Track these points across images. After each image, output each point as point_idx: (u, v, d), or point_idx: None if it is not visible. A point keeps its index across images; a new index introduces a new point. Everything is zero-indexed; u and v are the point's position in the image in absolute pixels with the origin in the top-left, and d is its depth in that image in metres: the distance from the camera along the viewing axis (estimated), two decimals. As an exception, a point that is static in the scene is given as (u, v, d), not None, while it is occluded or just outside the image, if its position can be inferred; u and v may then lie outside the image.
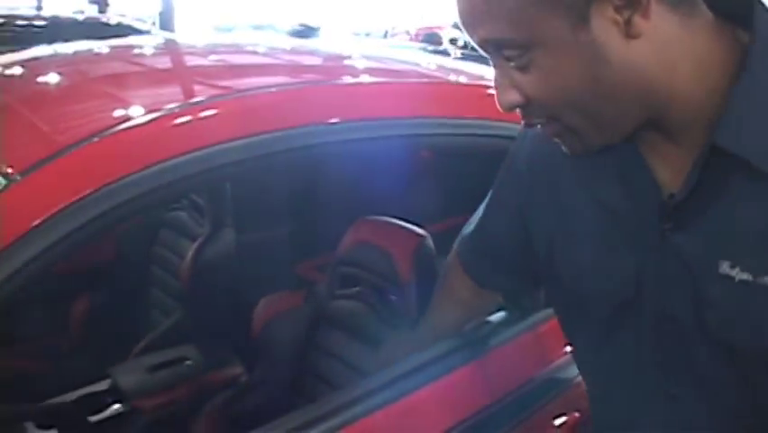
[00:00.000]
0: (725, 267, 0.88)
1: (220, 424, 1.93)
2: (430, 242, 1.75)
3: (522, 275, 1.26)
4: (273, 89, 1.38)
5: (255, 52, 1.91)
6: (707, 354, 0.93)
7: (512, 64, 0.86)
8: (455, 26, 14.33)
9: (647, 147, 0.94)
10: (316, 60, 1.90)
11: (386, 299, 1.81)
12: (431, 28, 23.20)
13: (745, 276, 0.87)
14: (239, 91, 1.35)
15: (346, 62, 1.82)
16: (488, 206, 1.28)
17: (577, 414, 1.53)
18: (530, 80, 0.86)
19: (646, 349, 1.00)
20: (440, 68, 2.00)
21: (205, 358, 2.22)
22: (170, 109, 1.17)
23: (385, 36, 24.29)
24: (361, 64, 1.78)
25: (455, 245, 1.38)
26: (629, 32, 0.81)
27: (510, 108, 0.89)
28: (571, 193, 1.05)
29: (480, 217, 1.29)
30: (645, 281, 0.96)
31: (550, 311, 1.59)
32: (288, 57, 1.90)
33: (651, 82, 0.84)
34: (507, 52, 0.86)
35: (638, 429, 1.06)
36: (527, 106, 0.89)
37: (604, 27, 0.81)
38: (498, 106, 0.90)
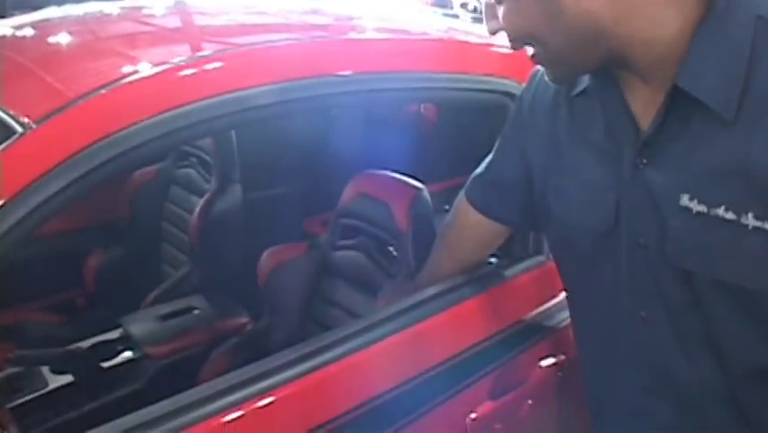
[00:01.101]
0: (685, 200, 0.97)
1: (227, 370, 2.01)
2: (427, 195, 1.82)
3: (522, 211, 1.35)
4: (281, 43, 1.45)
5: (263, 12, 1.96)
6: (669, 279, 1.03)
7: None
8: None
9: (626, 86, 1.04)
10: (325, 19, 1.95)
11: (384, 250, 1.89)
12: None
13: (701, 208, 0.96)
14: (245, 45, 1.41)
15: (354, 20, 1.88)
16: (497, 147, 1.38)
17: (563, 357, 1.61)
18: (503, 14, 1.01)
19: (621, 276, 1.10)
20: (448, 27, 2.06)
21: (212, 308, 2.31)
22: (177, 62, 1.24)
23: None
24: (369, 22, 1.84)
25: (465, 187, 1.46)
26: None
27: (492, 33, 1.09)
28: (565, 133, 1.16)
29: (490, 158, 1.39)
30: (622, 213, 1.07)
31: (538, 260, 1.68)
32: (296, 16, 1.96)
33: (604, 29, 0.94)
34: None
35: (616, 353, 1.18)
36: (508, 31, 1.02)
37: None
38: (488, 30, 1.01)
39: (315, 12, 1.95)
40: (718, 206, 0.94)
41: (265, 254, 2.05)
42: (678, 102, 0.96)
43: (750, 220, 0.92)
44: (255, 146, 2.62)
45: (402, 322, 1.39)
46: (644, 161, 1.02)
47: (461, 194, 1.46)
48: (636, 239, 1.05)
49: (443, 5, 14.63)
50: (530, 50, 1.03)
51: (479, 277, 1.55)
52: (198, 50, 1.39)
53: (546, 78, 1.07)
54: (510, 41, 1.03)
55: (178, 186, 2.63)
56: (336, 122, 3.22)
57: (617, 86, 1.04)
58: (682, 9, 0.93)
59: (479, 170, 1.42)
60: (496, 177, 1.37)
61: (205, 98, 1.17)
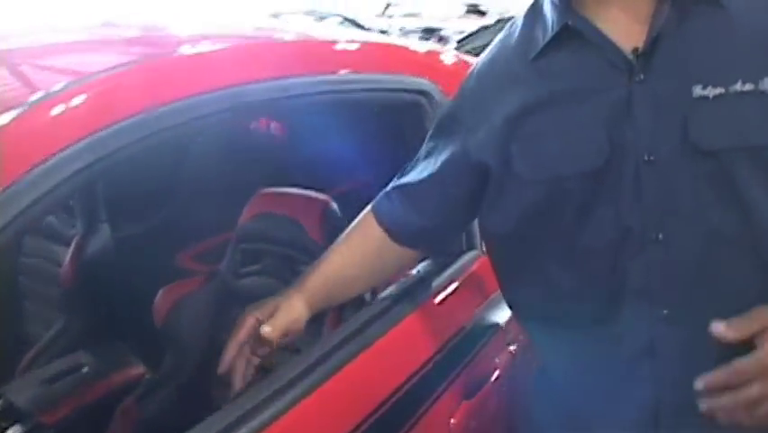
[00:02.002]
0: (698, 90, 1.06)
1: (135, 422, 1.84)
2: (335, 205, 1.74)
3: (451, 220, 1.32)
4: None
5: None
6: (688, 183, 1.08)
7: None
8: (274, 15, 14.24)
9: (602, 18, 1.11)
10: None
11: (297, 270, 1.79)
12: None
13: (719, 90, 1.05)
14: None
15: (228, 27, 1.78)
16: (421, 152, 1.33)
17: (513, 348, 1.58)
18: None
19: (626, 207, 1.11)
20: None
21: (101, 362, 2.12)
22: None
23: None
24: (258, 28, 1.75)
25: (372, 206, 1.38)
26: None
27: None
28: (532, 89, 1.16)
29: (411, 167, 1.34)
30: (619, 143, 1.09)
31: (473, 254, 1.64)
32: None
33: None
34: None
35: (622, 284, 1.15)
36: None
37: None
38: None
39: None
40: (735, 82, 1.04)
41: (160, 293, 1.89)
42: (674, 6, 1.07)
43: (767, 84, 1.04)
44: (115, 181, 2.44)
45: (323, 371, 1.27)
46: (641, 76, 1.08)
47: (369, 215, 1.39)
48: (641, 159, 1.08)
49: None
50: None
51: (408, 292, 1.48)
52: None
53: None
54: None
55: (33, 236, 2.40)
56: (192, 147, 3.07)
57: (590, 22, 1.11)
58: None
59: (395, 182, 1.37)
60: (424, 175, 1.31)
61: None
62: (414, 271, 1.52)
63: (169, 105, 1.12)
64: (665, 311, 1.12)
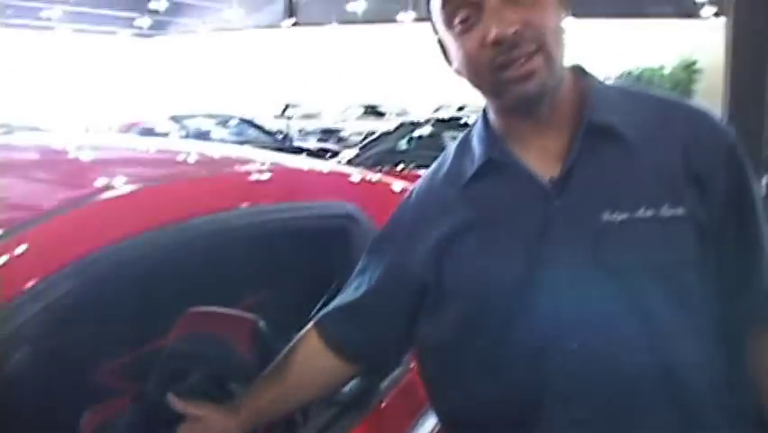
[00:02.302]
0: (606, 215, 1.21)
1: None
2: (263, 323, 1.79)
3: (389, 336, 1.41)
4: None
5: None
6: (599, 298, 1.20)
7: (519, 2, 1.18)
8: (173, 118, 14.22)
9: (523, 150, 1.27)
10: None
11: (226, 388, 1.81)
12: (137, 123, 22.75)
13: (624, 216, 1.21)
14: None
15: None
16: (359, 271, 1.43)
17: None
18: (535, 14, 1.19)
19: (544, 319, 1.22)
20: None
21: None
22: None
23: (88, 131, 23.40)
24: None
25: (315, 324, 1.45)
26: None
27: (513, 33, 1.18)
28: (461, 214, 1.30)
29: (351, 286, 1.42)
30: (538, 261, 1.22)
31: (399, 371, 1.71)
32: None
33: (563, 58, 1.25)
34: None
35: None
36: (524, 32, 1.18)
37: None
38: (498, 35, 1.17)
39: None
40: (638, 209, 1.20)
41: (85, 417, 1.88)
42: (586, 136, 1.24)
43: (665, 210, 1.20)
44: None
45: None
46: (557, 202, 1.22)
47: (312, 333, 1.47)
48: (557, 276, 1.21)
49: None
50: (528, 58, 1.20)
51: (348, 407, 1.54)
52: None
53: (530, 88, 1.22)
54: (530, 41, 1.19)
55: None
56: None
57: (512, 156, 1.28)
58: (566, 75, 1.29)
59: (335, 303, 1.46)
60: (364, 309, 1.41)
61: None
62: (347, 388, 1.57)
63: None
64: (582, 416, 1.22)
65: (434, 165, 1.43)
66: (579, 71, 1.35)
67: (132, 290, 1.45)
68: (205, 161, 1.85)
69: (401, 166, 7.86)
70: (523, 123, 1.28)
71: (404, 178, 2.17)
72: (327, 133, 23.89)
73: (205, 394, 1.81)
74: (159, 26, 31.10)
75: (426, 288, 1.34)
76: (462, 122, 10.30)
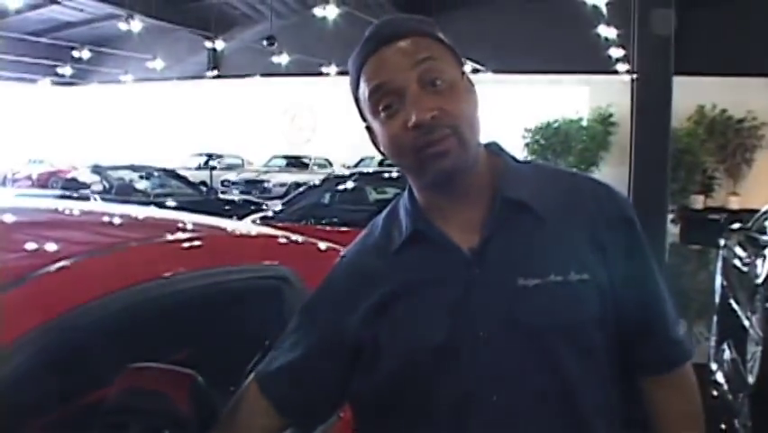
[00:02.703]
0: (521, 281, 1.36)
1: None
2: (201, 378, 1.89)
3: (328, 393, 1.53)
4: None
5: None
6: (515, 354, 1.36)
7: (434, 92, 1.34)
8: (95, 170, 14.06)
9: (445, 223, 1.42)
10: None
11: (164, 440, 1.90)
12: (59, 172, 22.32)
13: (537, 281, 1.36)
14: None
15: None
16: (294, 332, 1.54)
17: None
18: (449, 102, 1.34)
19: (466, 375, 1.37)
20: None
21: None
22: None
23: (4, 182, 22.87)
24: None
25: (253, 382, 1.56)
26: None
27: (430, 118, 1.33)
28: (391, 280, 1.44)
29: (286, 345, 1.53)
30: (460, 323, 1.37)
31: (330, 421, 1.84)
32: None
33: (478, 140, 1.41)
34: (439, 83, 1.34)
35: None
36: (439, 118, 1.33)
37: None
38: (417, 120, 1.32)
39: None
40: (549, 274, 1.35)
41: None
42: (501, 210, 1.39)
43: (572, 276, 1.36)
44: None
45: None
46: (477, 270, 1.37)
47: (252, 392, 1.57)
48: (477, 336, 1.36)
49: (72, 188, 14.17)
50: (443, 138, 1.34)
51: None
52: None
53: (446, 164, 1.36)
54: (443, 126, 1.33)
55: None
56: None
57: (436, 226, 1.42)
58: (482, 154, 1.45)
59: (273, 364, 1.54)
60: (301, 371, 1.51)
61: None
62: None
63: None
64: None
65: (363, 234, 1.57)
66: (494, 149, 1.50)
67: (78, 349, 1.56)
68: (151, 228, 1.97)
69: (325, 220, 8.04)
70: (442, 198, 1.42)
71: (328, 233, 2.32)
72: (251, 184, 23.87)
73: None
74: (81, 75, 30.70)
75: (360, 350, 1.46)
76: (386, 176, 10.58)
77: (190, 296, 1.65)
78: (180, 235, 1.99)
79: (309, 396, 1.52)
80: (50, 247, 1.72)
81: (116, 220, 1.97)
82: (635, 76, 13.46)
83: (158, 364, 1.96)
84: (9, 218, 1.96)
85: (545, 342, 1.36)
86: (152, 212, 2.18)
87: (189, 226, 2.11)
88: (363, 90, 1.41)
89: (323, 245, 2.13)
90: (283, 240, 2.06)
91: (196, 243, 1.88)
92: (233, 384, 1.76)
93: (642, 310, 1.46)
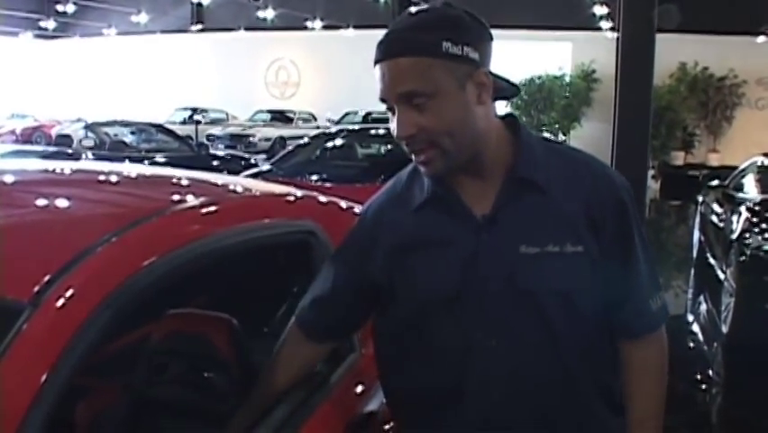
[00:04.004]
0: (522, 248, 1.56)
1: None
2: (236, 322, 2.10)
3: (353, 320, 1.83)
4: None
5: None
6: (514, 309, 1.58)
7: (416, 108, 1.48)
8: (87, 127, 14.05)
9: (462, 190, 1.61)
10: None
11: (205, 378, 2.10)
12: (42, 127, 22.13)
13: (536, 250, 1.55)
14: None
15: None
16: (326, 272, 1.80)
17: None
18: (429, 118, 1.49)
19: (471, 323, 1.60)
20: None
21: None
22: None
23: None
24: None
25: (294, 318, 1.82)
26: (479, 101, 1.53)
27: (407, 137, 1.51)
28: (410, 233, 1.66)
29: (319, 283, 1.79)
30: (469, 278, 1.59)
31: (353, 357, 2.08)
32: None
33: (481, 131, 1.56)
34: (417, 100, 1.47)
35: (467, 381, 1.63)
36: (417, 135, 1.50)
37: (471, 93, 1.50)
38: (397, 136, 1.51)
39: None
40: (547, 244, 1.55)
41: (80, 408, 2.13)
42: (511, 188, 1.57)
43: (569, 247, 1.55)
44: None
45: None
46: (486, 235, 1.57)
47: (292, 325, 1.83)
48: (482, 291, 1.58)
49: (63, 144, 13.99)
50: (424, 150, 1.53)
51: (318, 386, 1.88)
52: None
53: (427, 172, 1.58)
54: (421, 141, 1.51)
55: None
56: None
57: (455, 191, 1.61)
58: (505, 136, 1.62)
59: (306, 300, 1.81)
60: (328, 300, 1.77)
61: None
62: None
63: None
64: (497, 398, 1.63)
65: (387, 186, 1.77)
66: (511, 124, 1.64)
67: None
68: (207, 191, 2.21)
69: (316, 177, 8.20)
70: (459, 171, 1.59)
71: (318, 189, 2.53)
72: (236, 139, 23.75)
73: (184, 383, 2.12)
74: (64, 28, 30.29)
75: (380, 289, 1.70)
76: (372, 133, 10.73)
77: (235, 249, 1.86)
78: (232, 196, 2.23)
79: (331, 323, 1.79)
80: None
81: (183, 182, 2.23)
82: (618, 34, 13.59)
83: (196, 311, 2.18)
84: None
85: (539, 302, 1.58)
86: (196, 175, 2.37)
87: (236, 188, 2.32)
88: None
89: (343, 203, 2.35)
90: (310, 199, 2.27)
91: (241, 202, 2.10)
92: (267, 327, 1.98)
93: (622, 284, 1.63)
